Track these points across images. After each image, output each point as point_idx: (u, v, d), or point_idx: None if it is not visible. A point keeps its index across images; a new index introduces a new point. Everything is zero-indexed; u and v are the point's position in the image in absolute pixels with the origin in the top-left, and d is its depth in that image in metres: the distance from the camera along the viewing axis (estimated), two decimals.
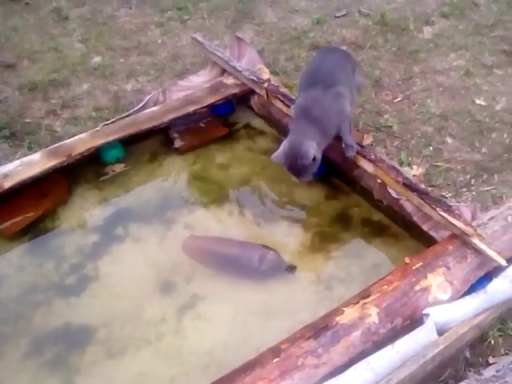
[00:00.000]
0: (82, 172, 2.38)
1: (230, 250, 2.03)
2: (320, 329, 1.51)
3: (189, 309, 1.90)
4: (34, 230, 2.18)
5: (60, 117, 2.80)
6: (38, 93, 2.96)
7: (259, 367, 1.44)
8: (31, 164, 2.19)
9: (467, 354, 1.66)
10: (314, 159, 1.99)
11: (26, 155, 2.37)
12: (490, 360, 1.63)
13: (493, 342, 1.68)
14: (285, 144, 2.06)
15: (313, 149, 1.98)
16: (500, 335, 1.69)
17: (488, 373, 1.53)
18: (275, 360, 1.45)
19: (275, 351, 1.48)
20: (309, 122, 2.05)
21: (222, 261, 2.02)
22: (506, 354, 1.65)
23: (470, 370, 1.61)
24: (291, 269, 1.98)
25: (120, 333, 1.86)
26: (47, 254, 2.11)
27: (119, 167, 2.41)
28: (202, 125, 2.58)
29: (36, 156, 2.24)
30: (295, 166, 2.03)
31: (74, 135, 2.42)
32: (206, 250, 2.08)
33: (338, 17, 3.44)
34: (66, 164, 2.22)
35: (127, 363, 1.78)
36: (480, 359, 1.65)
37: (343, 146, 2.10)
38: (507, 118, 2.57)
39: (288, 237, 2.11)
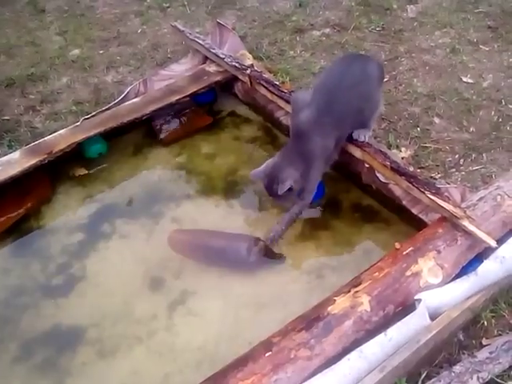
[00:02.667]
0: (64, 168, 2.33)
1: (218, 243, 2.00)
2: (311, 320, 1.49)
3: (179, 304, 1.87)
4: (17, 231, 2.15)
5: (40, 112, 2.74)
6: (15, 88, 2.90)
7: (251, 362, 1.42)
8: (11, 163, 2.14)
9: (460, 337, 1.64)
10: (291, 189, 1.92)
11: (5, 154, 2.32)
12: (484, 342, 1.61)
13: (486, 323, 1.66)
14: (268, 164, 1.98)
15: (291, 180, 1.89)
16: (493, 316, 1.67)
17: (482, 355, 1.52)
18: (267, 354, 1.43)
19: (267, 345, 1.46)
20: (299, 151, 1.95)
21: (209, 254, 1.98)
22: (499, 334, 1.63)
23: (463, 353, 1.59)
24: (280, 258, 1.95)
25: (110, 332, 1.83)
26: (32, 254, 2.08)
27: (82, 171, 2.34)
28: (186, 114, 2.53)
29: (15, 155, 2.19)
30: (271, 190, 1.96)
31: (55, 131, 2.37)
32: (192, 244, 2.04)
33: None
34: (46, 162, 2.17)
35: (119, 362, 1.76)
36: (473, 341, 1.63)
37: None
38: (494, 95, 2.53)
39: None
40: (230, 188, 2.25)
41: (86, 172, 2.34)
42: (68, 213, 2.22)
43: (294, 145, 1.98)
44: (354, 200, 2.15)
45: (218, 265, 1.96)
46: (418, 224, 1.87)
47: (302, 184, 1.95)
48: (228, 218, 2.13)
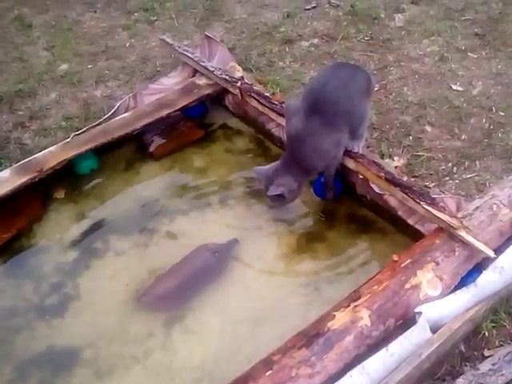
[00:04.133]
0: (55, 185, 2.30)
1: (184, 272, 1.95)
2: (312, 336, 1.47)
3: (176, 322, 1.85)
4: (9, 251, 2.11)
5: (29, 129, 2.70)
6: (3, 105, 2.86)
7: (252, 382, 1.40)
8: (1, 182, 2.11)
9: (462, 349, 1.63)
10: (284, 196, 2.00)
11: None
12: (486, 353, 1.60)
13: (487, 334, 1.65)
14: (271, 167, 2.06)
15: (286, 188, 1.98)
16: (493, 326, 1.67)
17: (484, 367, 1.51)
18: (268, 373, 1.40)
19: (267, 363, 1.44)
20: (295, 157, 2.00)
21: (186, 287, 1.91)
22: (501, 345, 1.63)
23: (466, 365, 1.58)
24: (235, 242, 2.02)
25: (107, 352, 1.80)
26: (25, 274, 2.04)
27: (60, 194, 2.30)
28: (177, 128, 2.52)
29: (5, 173, 2.16)
30: (266, 191, 2.05)
31: (45, 147, 2.36)
32: (167, 293, 1.92)
33: (308, 9, 3.38)
34: (37, 180, 2.14)
35: (117, 383, 1.72)
36: (475, 353, 1.62)
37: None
38: (485, 103, 2.55)
39: (273, 239, 2.07)
40: (222, 201, 2.23)
41: (64, 195, 2.30)
42: (60, 231, 2.18)
43: (289, 153, 2.02)
44: (348, 211, 2.14)
45: (200, 287, 1.92)
46: (414, 234, 1.87)
47: (297, 193, 2.03)
48: (222, 232, 2.10)
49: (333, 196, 2.14)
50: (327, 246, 2.03)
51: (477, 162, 2.27)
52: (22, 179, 2.10)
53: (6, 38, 3.42)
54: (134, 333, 1.84)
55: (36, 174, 2.13)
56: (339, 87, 1.96)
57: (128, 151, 2.47)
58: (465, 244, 1.66)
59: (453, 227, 1.66)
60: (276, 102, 2.31)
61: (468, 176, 2.21)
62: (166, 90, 2.61)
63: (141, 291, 1.92)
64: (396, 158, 2.31)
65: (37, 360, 1.79)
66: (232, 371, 1.56)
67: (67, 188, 2.33)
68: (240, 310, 1.86)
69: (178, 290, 1.90)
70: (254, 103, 2.38)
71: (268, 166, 2.08)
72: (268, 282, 1.93)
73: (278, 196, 2.01)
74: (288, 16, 3.33)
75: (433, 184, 2.19)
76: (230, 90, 2.48)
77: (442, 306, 1.51)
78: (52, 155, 2.21)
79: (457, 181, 2.20)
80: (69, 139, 2.29)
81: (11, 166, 2.26)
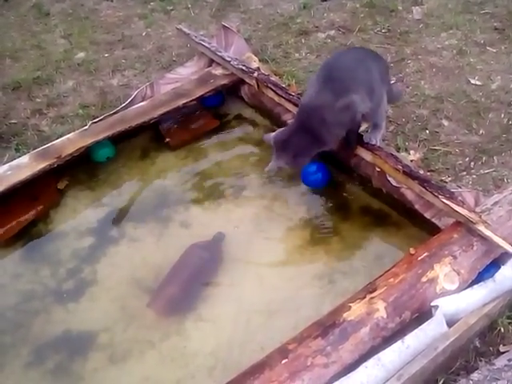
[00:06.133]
0: (72, 172, 2.32)
1: (185, 274, 1.94)
2: (327, 326, 1.48)
3: (191, 309, 1.86)
4: (27, 236, 2.13)
5: (46, 116, 2.73)
6: (22, 92, 2.88)
7: (268, 369, 1.41)
8: (20, 167, 2.13)
9: (477, 344, 1.63)
10: (298, 159, 1.98)
11: (13, 157, 2.33)
12: (501, 348, 1.60)
13: (502, 329, 1.65)
14: (282, 131, 2.02)
15: (283, 161, 1.98)
16: (509, 323, 1.66)
17: (500, 362, 1.51)
18: (284, 361, 1.42)
19: (283, 352, 1.45)
20: (307, 127, 1.95)
21: (190, 287, 1.92)
22: None
23: (480, 360, 1.58)
24: (221, 236, 2.03)
25: (122, 337, 1.82)
26: (42, 259, 2.06)
27: (63, 184, 2.30)
28: (193, 118, 2.52)
29: (25, 159, 2.18)
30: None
31: (62, 134, 2.37)
32: (175, 298, 1.91)
33: (325, 1, 3.36)
34: (56, 166, 2.16)
35: (131, 368, 1.75)
36: (491, 348, 1.62)
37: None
38: (503, 97, 2.53)
39: (288, 231, 2.07)
40: (237, 191, 2.24)
41: (67, 183, 2.30)
42: (77, 217, 2.21)
43: (300, 123, 1.98)
44: (363, 204, 2.13)
45: (202, 286, 1.94)
46: (430, 228, 1.86)
47: (298, 161, 2.02)
48: (236, 223, 2.12)
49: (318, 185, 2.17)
50: (341, 238, 2.03)
51: (494, 158, 2.25)
52: (41, 165, 2.12)
53: (24, 26, 3.44)
54: (150, 319, 1.85)
55: (55, 160, 2.14)
56: (357, 59, 1.99)
57: (144, 140, 2.48)
58: (483, 239, 1.65)
59: (471, 221, 1.65)
60: (292, 93, 2.31)
61: (485, 171, 2.20)
62: (183, 79, 2.61)
63: (148, 299, 1.91)
64: (412, 152, 2.30)
65: (53, 343, 1.82)
66: (245, 360, 1.57)
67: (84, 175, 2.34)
68: (254, 301, 1.87)
69: (183, 292, 1.90)
70: (271, 94, 2.38)
71: (278, 131, 2.05)
72: (282, 273, 1.94)
73: (292, 159, 1.97)
74: (304, 7, 3.32)
75: (449, 179, 2.18)
76: (247, 80, 2.47)
77: (458, 300, 1.51)
78: (70, 142, 2.23)
79: (474, 176, 2.19)
80: (87, 127, 2.30)
81: (29, 152, 2.28)
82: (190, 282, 1.92)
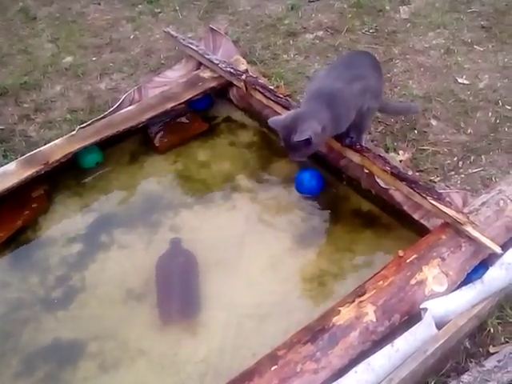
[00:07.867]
0: (60, 178, 2.30)
1: (173, 282, 1.96)
2: (317, 331, 1.48)
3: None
4: (15, 243, 2.11)
5: (34, 121, 2.70)
6: (9, 97, 2.86)
7: (257, 376, 1.40)
8: (7, 175, 2.12)
9: (467, 345, 1.63)
10: (310, 142, 1.82)
11: (0, 163, 2.30)
12: (491, 349, 1.60)
13: (492, 330, 1.65)
14: (289, 113, 1.96)
15: (311, 131, 1.80)
16: (499, 323, 1.67)
17: (490, 363, 1.51)
18: (273, 368, 1.41)
19: (273, 358, 1.44)
20: (324, 105, 1.87)
21: (185, 292, 1.95)
22: (507, 341, 1.63)
23: (471, 361, 1.59)
24: (177, 241, 2.06)
25: (112, 345, 1.81)
26: (31, 267, 2.05)
27: (38, 193, 2.24)
28: (181, 121, 2.51)
29: (11, 166, 2.16)
30: (288, 140, 1.85)
31: (50, 140, 2.36)
32: (176, 305, 1.93)
33: (313, 1, 3.35)
34: (43, 172, 2.14)
35: (122, 376, 1.74)
36: (480, 349, 1.62)
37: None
38: (491, 96, 2.53)
39: (278, 234, 2.06)
40: (226, 195, 2.23)
41: (43, 192, 2.25)
42: (65, 223, 2.19)
43: (315, 102, 1.92)
44: (353, 206, 2.13)
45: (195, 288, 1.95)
46: (419, 229, 1.87)
47: (321, 138, 1.90)
48: (226, 226, 2.11)
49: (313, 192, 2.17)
50: (332, 240, 2.03)
51: (483, 157, 2.26)
52: (28, 172, 2.11)
53: (11, 30, 3.40)
54: (140, 326, 1.84)
55: (42, 166, 2.13)
56: (365, 57, 2.15)
57: (132, 144, 2.46)
58: (471, 240, 1.65)
59: (459, 222, 1.65)
60: (281, 96, 2.30)
61: (474, 171, 2.20)
62: (171, 82, 2.60)
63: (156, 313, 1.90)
64: (401, 152, 2.30)
65: (43, 352, 1.81)
66: (236, 366, 1.57)
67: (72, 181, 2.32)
68: (244, 305, 1.86)
69: (185, 299, 1.91)
70: (259, 96, 2.37)
71: (284, 115, 1.99)
72: (272, 276, 1.93)
73: (303, 143, 1.82)
74: (292, 8, 3.31)
75: (438, 178, 2.18)
76: (235, 83, 2.47)
77: (447, 302, 1.51)
78: (58, 148, 2.21)
79: (462, 175, 2.19)
80: (74, 132, 2.29)
81: (17, 158, 2.27)
82: (186, 287, 1.92)
